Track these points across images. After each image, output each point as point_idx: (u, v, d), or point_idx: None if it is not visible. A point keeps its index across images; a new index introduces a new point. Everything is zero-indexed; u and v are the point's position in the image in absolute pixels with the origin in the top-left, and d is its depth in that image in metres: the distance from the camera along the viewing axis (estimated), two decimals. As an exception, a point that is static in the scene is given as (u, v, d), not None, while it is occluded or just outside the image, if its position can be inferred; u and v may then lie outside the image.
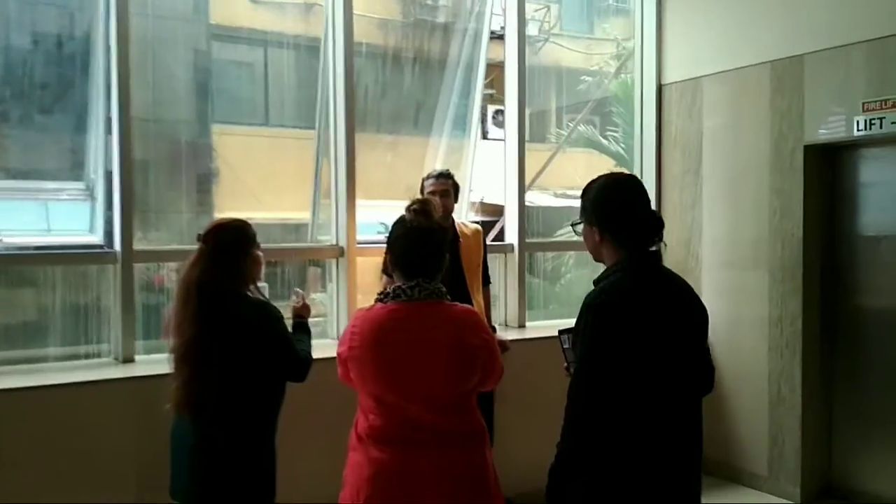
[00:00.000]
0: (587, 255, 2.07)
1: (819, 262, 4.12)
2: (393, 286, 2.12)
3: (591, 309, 1.81)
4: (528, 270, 4.59)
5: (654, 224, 1.93)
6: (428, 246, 2.17)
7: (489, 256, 3.87)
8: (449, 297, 2.15)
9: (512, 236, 4.44)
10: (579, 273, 5.03)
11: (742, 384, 4.34)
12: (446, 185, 3.53)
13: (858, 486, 4.05)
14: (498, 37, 4.61)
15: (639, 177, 4.80)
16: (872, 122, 3.68)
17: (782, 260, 4.13)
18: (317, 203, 4.01)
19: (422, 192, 3.51)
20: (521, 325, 4.39)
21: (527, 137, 4.44)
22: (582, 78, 5.15)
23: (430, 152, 4.41)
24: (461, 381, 2.08)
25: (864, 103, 3.72)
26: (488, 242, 4.02)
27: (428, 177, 3.57)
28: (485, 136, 6.18)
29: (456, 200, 3.62)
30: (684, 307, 1.92)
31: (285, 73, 4.18)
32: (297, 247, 3.97)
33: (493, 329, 3.78)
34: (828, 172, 4.12)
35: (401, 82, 4.38)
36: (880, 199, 3.96)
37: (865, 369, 4.01)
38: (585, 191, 2.00)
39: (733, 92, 4.39)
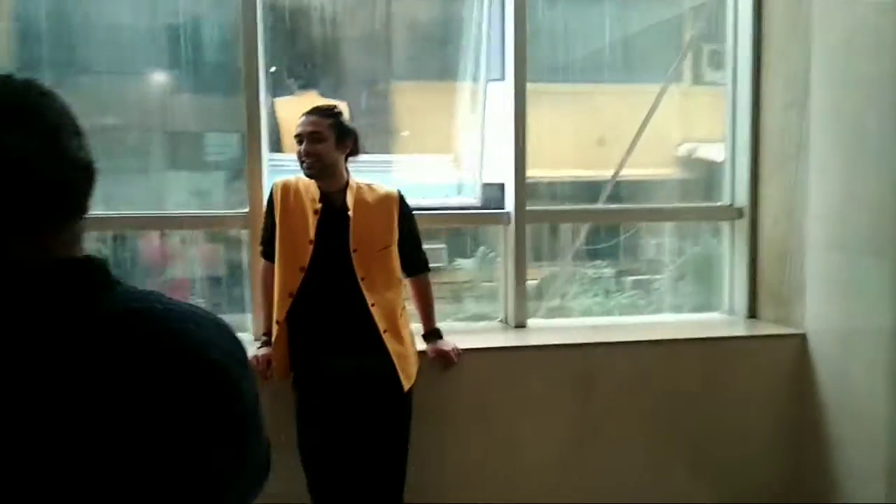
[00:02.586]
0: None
1: None
2: None
3: None
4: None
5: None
6: None
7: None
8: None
9: (509, 202, 3.22)
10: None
11: (852, 428, 2.82)
12: (318, 126, 2.45)
13: None
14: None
15: (731, 113, 3.38)
16: None
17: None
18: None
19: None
20: (521, 325, 3.20)
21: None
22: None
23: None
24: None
25: None
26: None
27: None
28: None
29: (348, 149, 2.52)
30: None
31: None
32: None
33: (438, 333, 2.68)
34: None
35: None
36: None
37: None
38: None
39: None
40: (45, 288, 0.74)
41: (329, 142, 2.43)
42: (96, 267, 0.79)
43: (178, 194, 3.20)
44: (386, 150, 3.37)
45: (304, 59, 3.33)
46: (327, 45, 3.34)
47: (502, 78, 3.25)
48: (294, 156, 2.52)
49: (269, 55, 3.08)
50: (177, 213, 3.01)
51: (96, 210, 0.91)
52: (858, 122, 2.77)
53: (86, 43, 3.06)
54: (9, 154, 0.72)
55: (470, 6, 3.21)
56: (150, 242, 3.25)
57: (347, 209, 2.45)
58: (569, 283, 3.57)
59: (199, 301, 3.24)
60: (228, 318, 2.78)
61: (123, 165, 3.11)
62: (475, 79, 3.26)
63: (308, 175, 2.46)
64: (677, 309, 3.58)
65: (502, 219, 3.22)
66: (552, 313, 3.41)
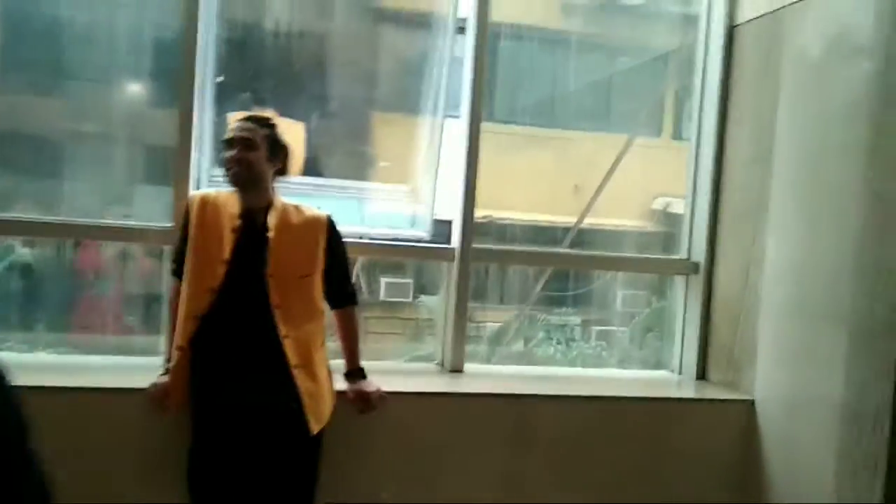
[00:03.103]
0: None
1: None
2: None
3: None
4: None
5: None
6: None
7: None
8: None
9: (455, 237, 3.04)
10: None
11: (798, 497, 2.64)
12: (252, 133, 2.25)
13: None
14: None
15: (693, 166, 3.26)
16: None
17: (874, 313, 2.37)
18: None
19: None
20: (456, 370, 2.99)
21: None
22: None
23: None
24: None
25: None
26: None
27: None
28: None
29: (278, 164, 2.33)
30: None
31: None
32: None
33: (362, 373, 2.47)
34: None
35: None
36: None
37: None
38: None
39: (825, 31, 2.66)
40: None
41: (260, 151, 2.25)
42: None
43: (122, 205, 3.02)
44: (340, 175, 3.22)
45: (260, 75, 3.18)
46: (287, 63, 3.21)
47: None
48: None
49: (223, 68, 2.92)
50: (92, 222, 2.77)
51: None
52: (819, 182, 2.65)
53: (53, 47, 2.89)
54: None
55: (438, 41, 3.08)
56: (86, 253, 3.06)
57: (268, 229, 2.24)
58: (530, 328, 3.44)
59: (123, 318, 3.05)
60: (141, 339, 2.57)
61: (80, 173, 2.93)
62: (434, 113, 3.11)
63: (232, 183, 2.26)
64: (626, 364, 3.42)
65: (447, 255, 3.03)
66: (508, 359, 3.24)
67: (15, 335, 2.94)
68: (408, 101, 3.21)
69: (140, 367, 2.61)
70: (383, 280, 3.36)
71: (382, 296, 3.36)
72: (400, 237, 3.10)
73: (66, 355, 2.90)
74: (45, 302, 3.09)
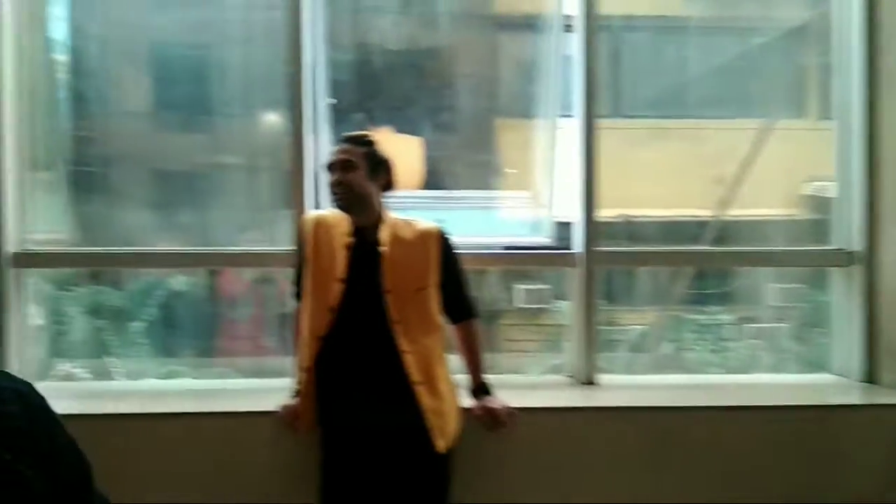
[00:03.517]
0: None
1: None
2: None
3: None
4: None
5: None
6: None
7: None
8: None
9: (577, 241, 2.90)
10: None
11: None
12: (351, 154, 2.24)
13: None
14: None
15: (842, 146, 2.95)
16: None
17: None
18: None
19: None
20: (589, 381, 2.84)
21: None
22: None
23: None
24: None
25: None
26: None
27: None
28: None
29: (382, 180, 2.31)
30: None
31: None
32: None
33: (485, 389, 2.39)
34: None
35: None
36: None
37: None
38: None
39: None
40: None
41: (361, 171, 2.23)
42: None
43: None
44: (462, 186, 3.23)
45: (374, 94, 3.21)
46: (400, 80, 3.23)
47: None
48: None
49: (335, 90, 2.97)
50: (225, 249, 2.88)
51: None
52: None
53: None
54: None
55: (547, 41, 2.99)
56: (227, 278, 3.22)
57: (380, 244, 2.21)
58: (676, 329, 3.25)
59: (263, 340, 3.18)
60: (279, 361, 2.63)
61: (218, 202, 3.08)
62: (548, 115, 3.01)
63: (338, 206, 2.26)
64: (782, 366, 3.13)
65: (569, 260, 2.90)
66: (654, 366, 3.06)
67: (164, 361, 3.11)
68: (524, 105, 3.15)
69: (278, 388, 2.66)
70: (520, 287, 3.29)
71: (520, 302, 3.29)
72: (522, 244, 3.01)
73: (209, 380, 3.03)
74: (191, 328, 3.26)
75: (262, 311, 3.29)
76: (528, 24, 3.18)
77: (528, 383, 2.89)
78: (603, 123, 2.84)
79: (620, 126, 3.07)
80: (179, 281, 3.26)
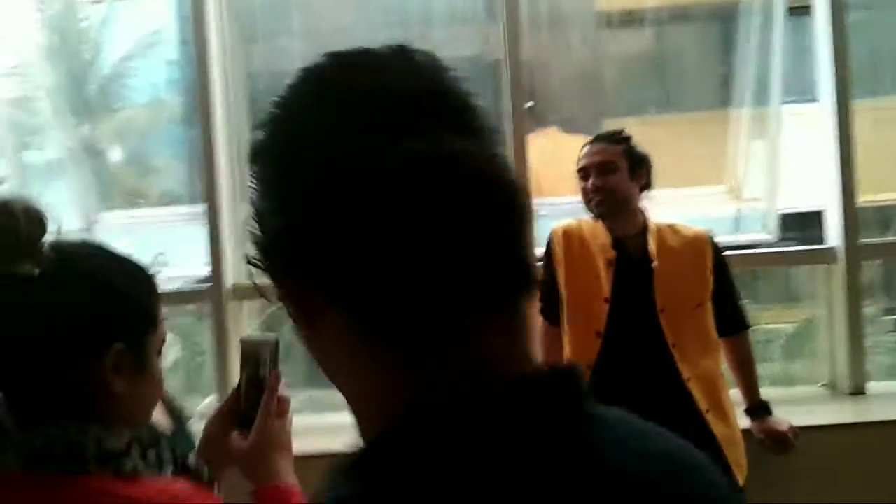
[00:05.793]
0: None
1: None
2: None
3: None
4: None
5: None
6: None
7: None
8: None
9: (834, 235, 2.57)
10: None
11: None
12: (609, 154, 2.01)
13: None
14: None
15: None
16: None
17: None
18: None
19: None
20: (858, 392, 2.51)
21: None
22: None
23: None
24: None
25: None
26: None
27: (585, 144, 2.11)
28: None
29: (643, 180, 2.07)
30: None
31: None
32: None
33: (765, 408, 2.13)
34: None
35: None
36: None
37: None
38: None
39: None
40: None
41: (622, 172, 2.01)
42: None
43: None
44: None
45: (567, 95, 3.02)
46: (595, 79, 3.03)
47: (808, 98, 2.71)
48: (573, 198, 2.13)
49: (531, 93, 2.79)
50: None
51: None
52: None
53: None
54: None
55: (742, 29, 2.72)
56: None
57: (650, 259, 1.98)
58: None
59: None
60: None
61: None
62: (761, 103, 2.74)
63: (597, 214, 2.04)
64: None
65: (824, 256, 2.57)
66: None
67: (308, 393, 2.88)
68: (716, 96, 2.93)
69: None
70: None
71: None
72: (738, 243, 2.72)
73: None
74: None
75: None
76: (720, 15, 2.97)
77: (781, 397, 2.59)
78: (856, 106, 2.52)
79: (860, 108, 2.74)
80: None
